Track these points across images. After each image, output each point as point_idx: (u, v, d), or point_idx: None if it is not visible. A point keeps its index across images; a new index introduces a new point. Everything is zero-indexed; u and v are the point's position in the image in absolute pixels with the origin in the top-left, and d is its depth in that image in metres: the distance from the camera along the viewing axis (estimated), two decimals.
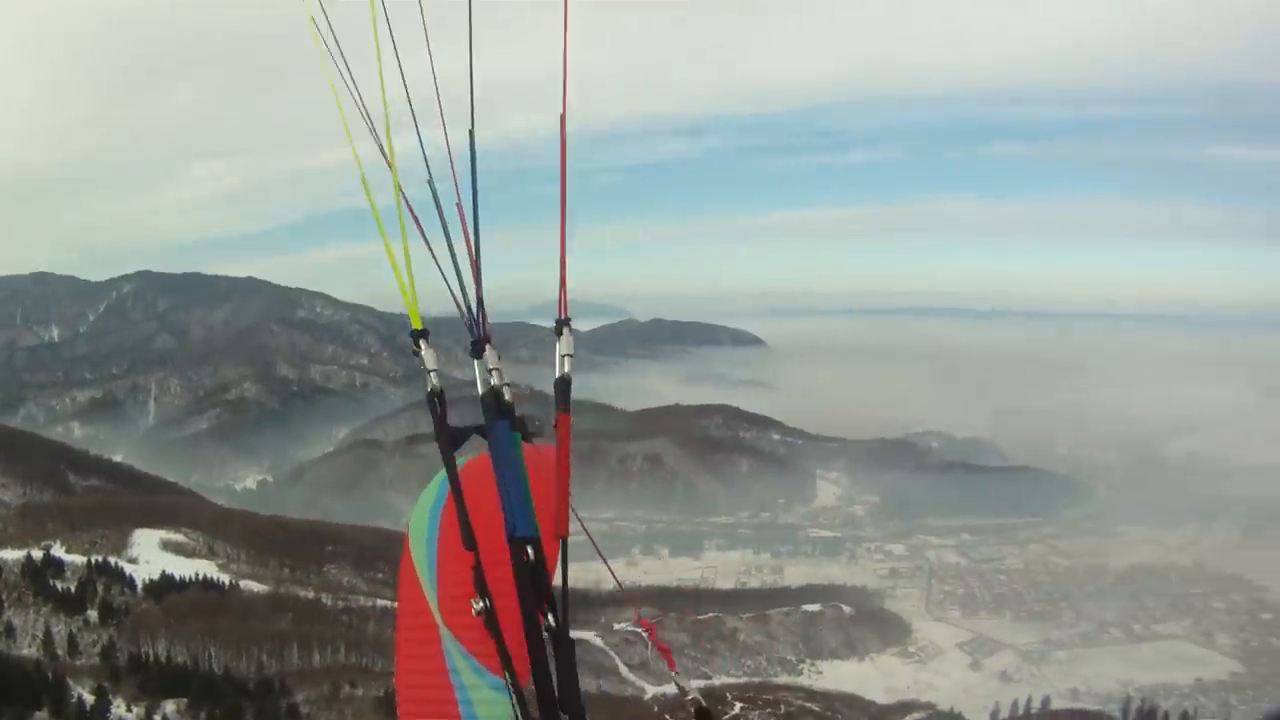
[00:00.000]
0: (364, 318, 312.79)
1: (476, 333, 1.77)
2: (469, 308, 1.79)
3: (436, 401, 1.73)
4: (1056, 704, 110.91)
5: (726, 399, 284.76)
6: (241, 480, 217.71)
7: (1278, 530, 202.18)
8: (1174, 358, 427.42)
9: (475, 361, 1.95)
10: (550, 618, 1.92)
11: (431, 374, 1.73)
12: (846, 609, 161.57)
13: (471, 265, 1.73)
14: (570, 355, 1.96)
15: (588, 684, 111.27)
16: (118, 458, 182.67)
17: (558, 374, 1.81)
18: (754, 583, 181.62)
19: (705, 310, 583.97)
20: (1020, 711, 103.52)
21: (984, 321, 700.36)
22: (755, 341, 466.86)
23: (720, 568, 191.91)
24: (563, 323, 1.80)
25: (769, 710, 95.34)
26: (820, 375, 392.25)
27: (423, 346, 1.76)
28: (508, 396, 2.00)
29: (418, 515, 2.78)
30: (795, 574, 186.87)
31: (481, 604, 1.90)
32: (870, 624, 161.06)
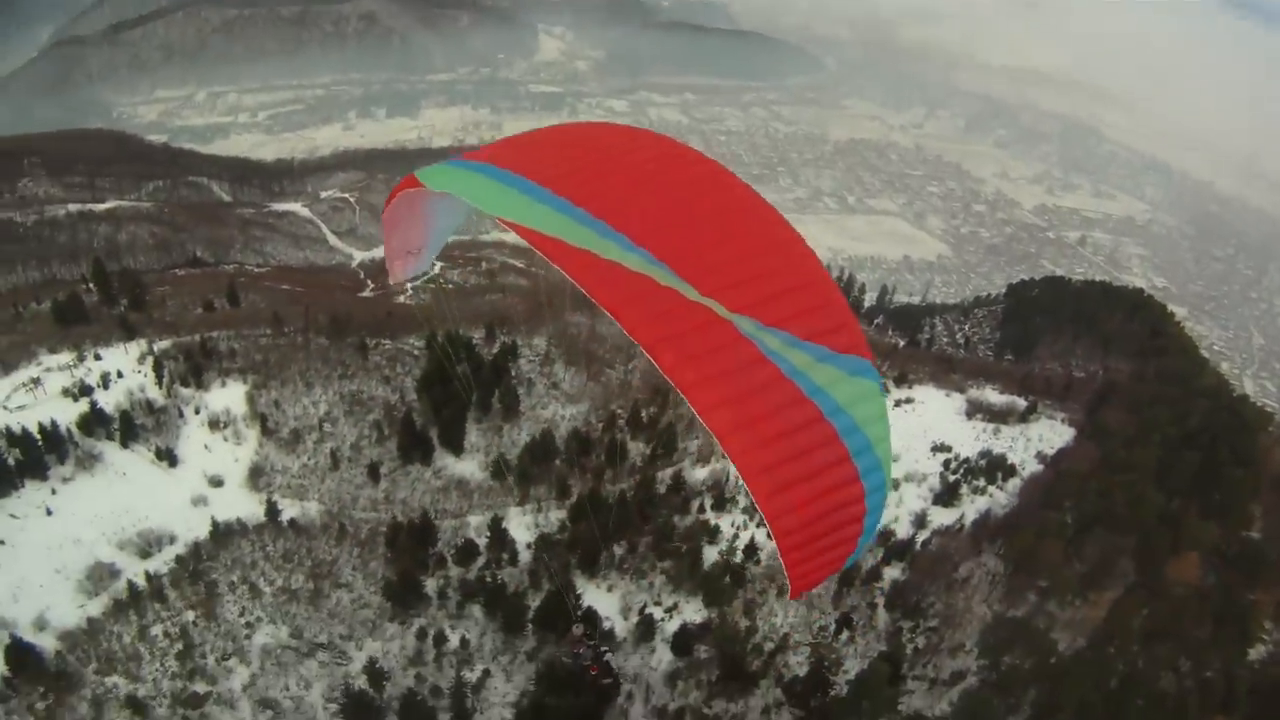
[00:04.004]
0: None
1: None
2: None
3: None
4: None
5: None
6: None
7: (1001, 129, 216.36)
8: None
9: None
10: None
11: None
12: None
13: None
14: None
15: (293, 256, 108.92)
16: None
17: None
18: (471, 139, 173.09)
19: None
20: None
21: None
22: None
23: (438, 126, 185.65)
24: None
25: (470, 269, 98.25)
26: None
27: None
28: None
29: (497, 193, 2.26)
30: (514, 129, 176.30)
31: None
32: None
